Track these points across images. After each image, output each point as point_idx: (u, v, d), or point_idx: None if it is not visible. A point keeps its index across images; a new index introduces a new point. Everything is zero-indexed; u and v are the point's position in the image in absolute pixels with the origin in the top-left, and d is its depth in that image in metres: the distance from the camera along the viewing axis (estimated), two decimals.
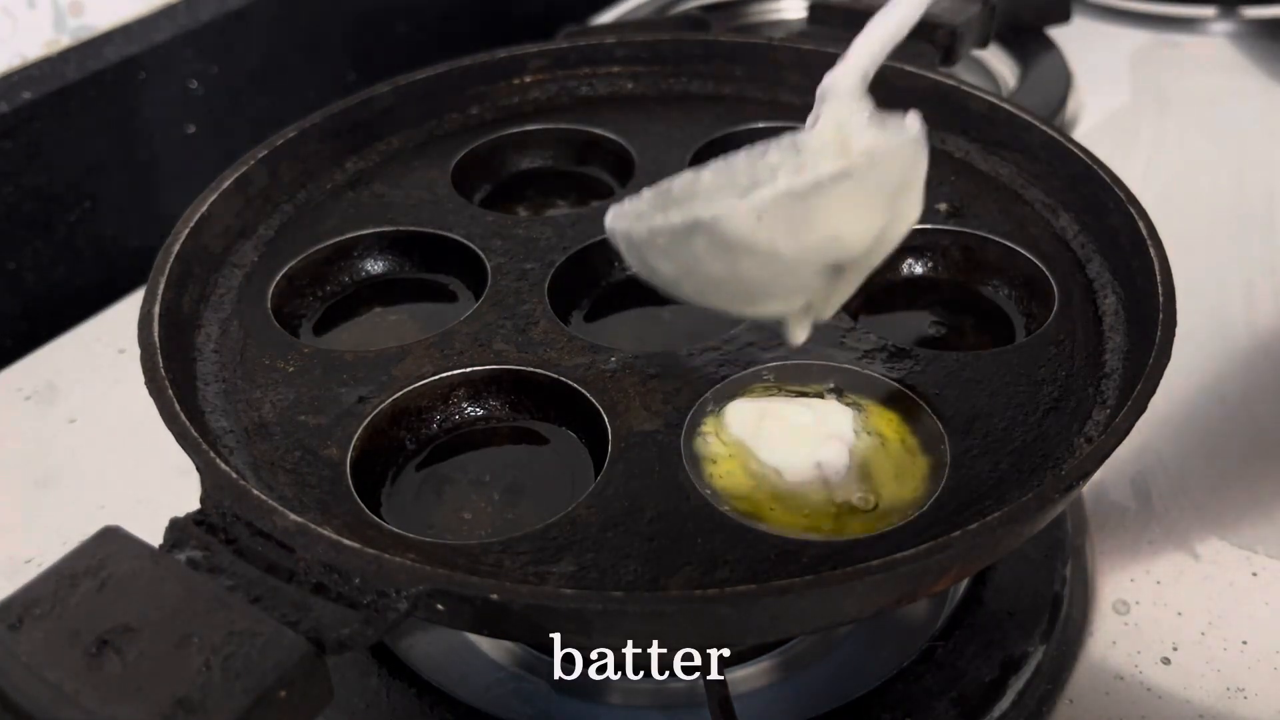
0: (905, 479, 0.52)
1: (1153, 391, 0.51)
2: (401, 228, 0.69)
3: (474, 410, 0.59)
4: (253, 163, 0.68)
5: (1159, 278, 0.57)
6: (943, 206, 0.69)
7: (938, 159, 0.73)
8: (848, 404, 0.56)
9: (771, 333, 0.60)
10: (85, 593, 0.40)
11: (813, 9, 0.84)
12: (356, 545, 0.44)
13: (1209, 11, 1.20)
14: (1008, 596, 0.61)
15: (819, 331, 0.60)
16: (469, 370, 0.59)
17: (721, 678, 0.53)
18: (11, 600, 0.40)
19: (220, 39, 0.99)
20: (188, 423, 0.50)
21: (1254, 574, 0.65)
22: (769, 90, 0.80)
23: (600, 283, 0.67)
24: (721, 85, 0.81)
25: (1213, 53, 1.16)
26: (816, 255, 0.48)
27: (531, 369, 0.59)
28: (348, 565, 0.43)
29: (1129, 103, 1.09)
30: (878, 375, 0.57)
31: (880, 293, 0.66)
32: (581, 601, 0.44)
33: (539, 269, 0.65)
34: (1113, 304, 0.61)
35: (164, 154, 0.98)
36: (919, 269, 0.67)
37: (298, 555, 0.44)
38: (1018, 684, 0.58)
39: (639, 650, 0.45)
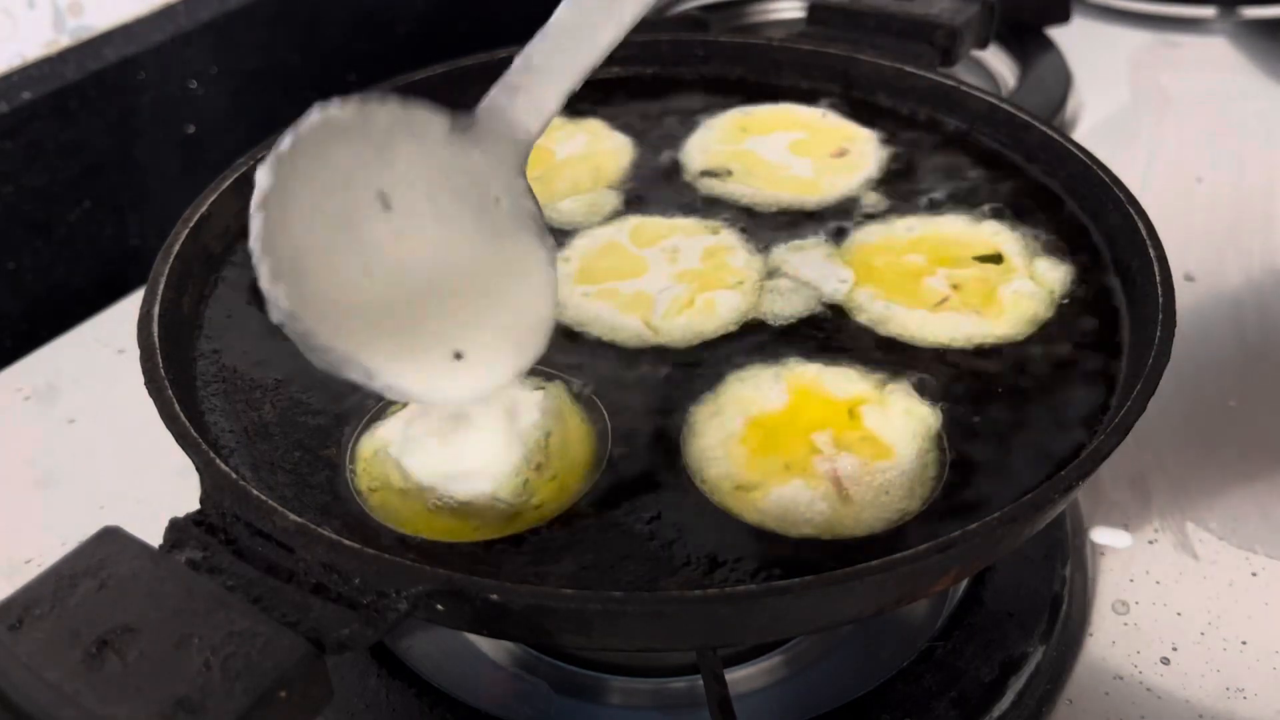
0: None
1: (1152, 391, 0.51)
2: None
3: None
4: (252, 163, 0.68)
5: (1159, 278, 0.57)
6: (923, 201, 0.69)
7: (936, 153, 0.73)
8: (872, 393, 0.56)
9: (773, 331, 0.60)
10: (85, 593, 0.40)
11: (812, 9, 0.84)
12: (356, 545, 0.44)
13: (1209, 11, 1.20)
14: (1007, 596, 0.61)
15: (824, 325, 0.60)
16: None
17: (722, 678, 0.53)
18: (11, 601, 0.40)
19: (220, 39, 0.99)
20: (187, 423, 0.50)
21: (1254, 574, 0.65)
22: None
23: None
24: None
25: (1213, 53, 1.16)
26: None
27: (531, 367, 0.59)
28: (348, 565, 0.43)
29: (1129, 103, 1.09)
30: (879, 371, 0.57)
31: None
32: (581, 601, 0.44)
33: None
34: (1112, 304, 0.61)
35: (164, 154, 0.98)
36: None
37: (298, 555, 0.44)
38: (1017, 684, 0.58)
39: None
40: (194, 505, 0.47)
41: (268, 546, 0.45)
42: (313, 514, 0.51)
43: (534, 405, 0.55)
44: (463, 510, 0.51)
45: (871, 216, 0.68)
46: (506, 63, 0.80)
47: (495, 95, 0.50)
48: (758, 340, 0.60)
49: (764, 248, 0.66)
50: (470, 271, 0.47)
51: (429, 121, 0.49)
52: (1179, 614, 0.62)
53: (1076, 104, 1.07)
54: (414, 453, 0.53)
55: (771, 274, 0.64)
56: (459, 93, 0.78)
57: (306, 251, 0.44)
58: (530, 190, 0.49)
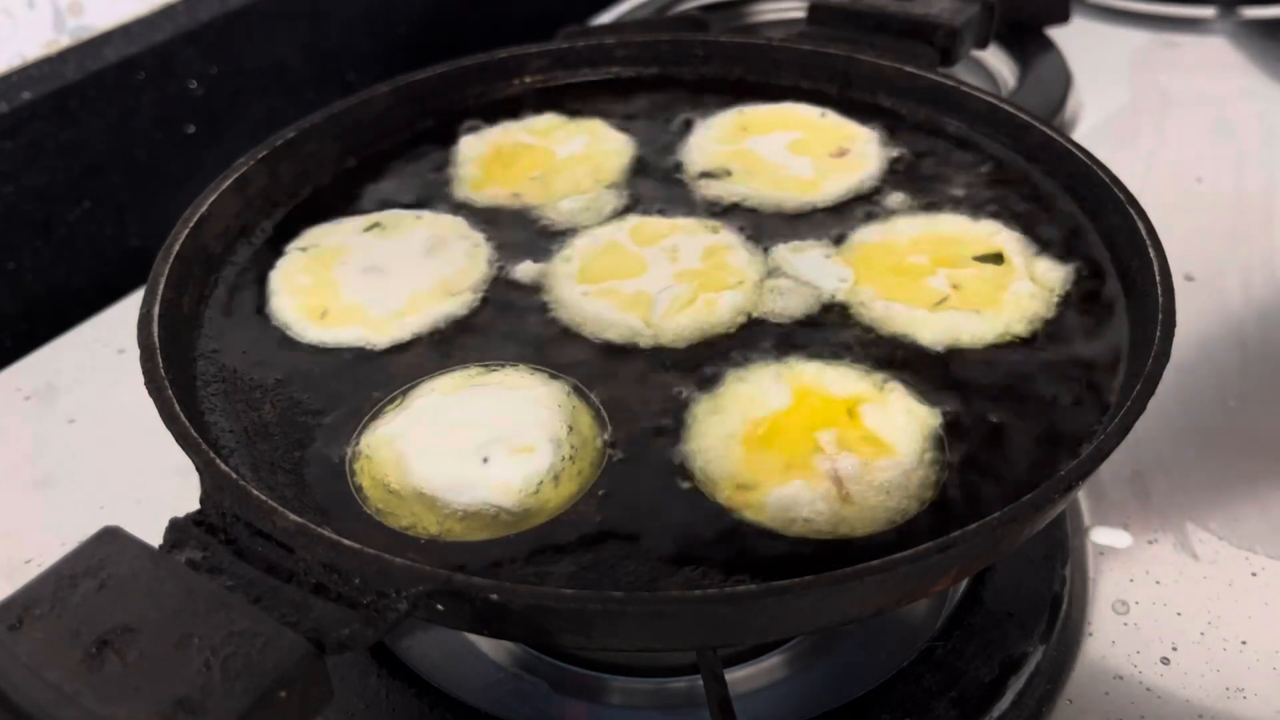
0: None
1: (1152, 391, 0.51)
2: None
3: None
4: (252, 163, 0.68)
5: (1159, 278, 0.57)
6: (923, 201, 0.69)
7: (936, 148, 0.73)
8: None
9: (773, 331, 0.60)
10: (85, 593, 0.40)
11: (812, 9, 0.84)
12: (356, 545, 0.44)
13: (1209, 12, 1.20)
14: (1007, 596, 0.61)
15: (824, 324, 0.60)
16: (468, 367, 0.59)
17: (722, 678, 0.53)
18: (11, 601, 0.40)
19: (220, 39, 0.99)
20: (187, 423, 0.50)
21: (1253, 574, 0.65)
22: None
23: None
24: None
25: (1213, 53, 1.16)
26: None
27: (531, 366, 0.59)
28: (348, 565, 0.43)
29: (1128, 103, 1.09)
30: (879, 371, 0.57)
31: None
32: (581, 602, 0.44)
33: (540, 266, 0.66)
34: (1112, 304, 0.61)
35: (164, 154, 0.98)
36: None
37: (298, 555, 0.44)
38: (1017, 684, 0.58)
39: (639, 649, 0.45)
40: (194, 505, 0.47)
41: (268, 546, 0.45)
42: (313, 514, 0.51)
43: (557, 416, 0.55)
44: (466, 516, 0.51)
45: (871, 216, 0.68)
46: (507, 63, 0.81)
47: None
48: (758, 339, 0.60)
49: (764, 247, 0.66)
50: None
51: None
52: (1179, 614, 0.62)
53: (1076, 104, 1.07)
54: (426, 461, 0.53)
55: (771, 273, 0.64)
56: (459, 93, 0.79)
57: None
58: None
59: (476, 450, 0.53)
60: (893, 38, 0.80)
